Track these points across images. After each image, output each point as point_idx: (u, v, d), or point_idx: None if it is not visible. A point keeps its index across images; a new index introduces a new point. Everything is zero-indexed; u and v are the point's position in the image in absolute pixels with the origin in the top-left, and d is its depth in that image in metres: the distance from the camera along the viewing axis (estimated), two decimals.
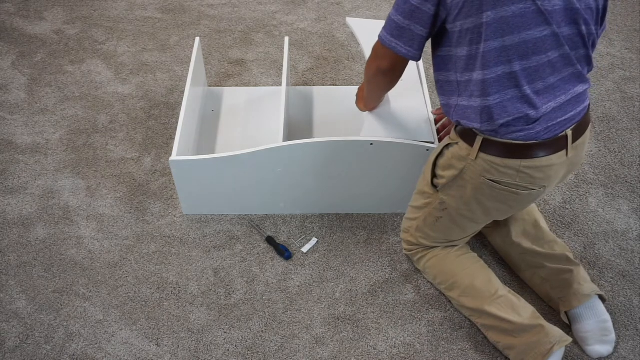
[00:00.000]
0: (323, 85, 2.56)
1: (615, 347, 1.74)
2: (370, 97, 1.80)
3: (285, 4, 3.00)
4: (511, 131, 1.44)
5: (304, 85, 2.56)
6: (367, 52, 2.00)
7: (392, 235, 2.02)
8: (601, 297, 1.75)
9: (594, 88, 2.55)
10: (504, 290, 1.71)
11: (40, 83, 2.58)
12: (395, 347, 1.76)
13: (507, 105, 1.41)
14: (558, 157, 1.47)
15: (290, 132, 2.25)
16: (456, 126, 1.58)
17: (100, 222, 2.07)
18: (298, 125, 2.30)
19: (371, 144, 1.84)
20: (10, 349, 1.75)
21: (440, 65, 1.53)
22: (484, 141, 1.48)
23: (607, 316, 1.72)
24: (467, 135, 1.52)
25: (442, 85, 1.55)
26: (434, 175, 1.68)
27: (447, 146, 1.61)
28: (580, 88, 1.46)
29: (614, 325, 1.78)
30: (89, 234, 2.03)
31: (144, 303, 1.86)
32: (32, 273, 1.93)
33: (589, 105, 1.53)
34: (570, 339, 1.61)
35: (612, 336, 1.71)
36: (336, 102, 2.40)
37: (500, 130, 1.45)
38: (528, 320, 1.63)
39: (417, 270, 1.91)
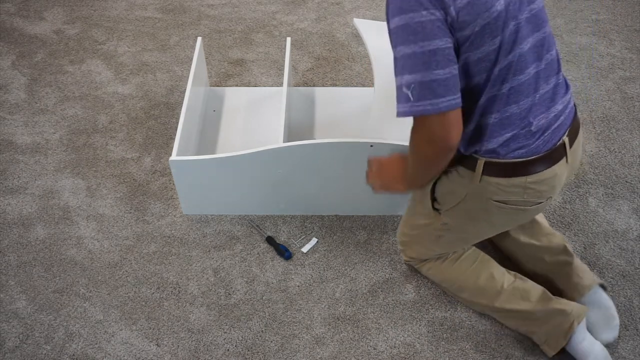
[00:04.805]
0: (323, 85, 2.56)
1: (615, 347, 1.74)
2: (429, 175, 1.52)
3: (285, 4, 3.00)
4: (512, 149, 1.41)
5: (304, 86, 2.56)
6: (373, 54, 1.98)
7: (392, 236, 2.02)
8: (602, 285, 1.76)
9: (594, 88, 2.55)
10: (509, 280, 1.71)
11: (40, 83, 2.58)
12: (395, 347, 1.76)
13: (505, 122, 1.38)
14: (560, 166, 1.46)
15: (291, 133, 2.25)
16: None
17: (100, 222, 2.07)
18: (299, 126, 2.30)
19: (371, 146, 1.84)
20: (10, 349, 1.75)
21: None
22: (486, 164, 1.43)
23: (610, 302, 1.73)
24: (466, 160, 1.47)
25: None
26: (433, 200, 1.62)
27: (444, 172, 1.54)
28: (561, 91, 1.45)
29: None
30: (89, 234, 2.03)
31: (144, 303, 1.86)
32: (32, 273, 1.93)
33: (575, 106, 1.53)
34: (587, 308, 1.65)
35: (617, 321, 1.72)
36: (337, 103, 2.40)
37: (500, 151, 1.41)
38: (541, 304, 1.65)
39: (417, 269, 1.91)
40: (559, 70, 1.43)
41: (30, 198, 2.14)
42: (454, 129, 1.29)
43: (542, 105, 1.40)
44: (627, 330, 1.78)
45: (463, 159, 1.47)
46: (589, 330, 1.71)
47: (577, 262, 1.78)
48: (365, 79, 2.59)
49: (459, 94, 1.28)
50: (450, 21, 1.24)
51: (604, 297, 1.73)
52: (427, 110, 1.25)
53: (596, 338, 1.69)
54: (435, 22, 1.22)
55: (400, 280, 1.90)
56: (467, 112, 1.39)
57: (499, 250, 1.93)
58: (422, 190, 1.63)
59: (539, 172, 1.43)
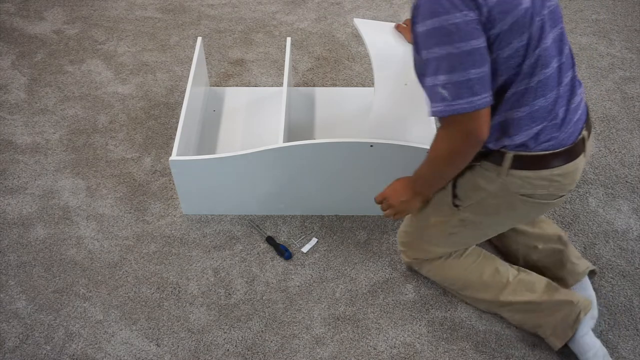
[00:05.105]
0: (323, 85, 2.56)
1: (616, 347, 1.74)
2: (443, 179, 1.55)
3: (285, 4, 3.00)
4: (540, 142, 1.42)
5: (304, 86, 2.56)
6: (373, 54, 1.98)
7: (392, 235, 2.02)
8: (592, 272, 1.81)
9: (594, 88, 2.55)
10: (513, 274, 1.72)
11: (40, 83, 2.58)
12: (395, 347, 1.76)
13: (535, 115, 1.39)
14: (580, 159, 1.48)
15: (291, 133, 2.25)
16: None
17: (100, 222, 2.07)
18: (299, 126, 2.30)
19: (371, 146, 1.84)
20: (10, 349, 1.75)
21: None
22: (514, 157, 1.43)
23: (593, 292, 1.77)
24: (492, 155, 1.46)
25: None
26: (454, 196, 1.59)
27: (467, 167, 1.50)
28: (577, 84, 1.47)
29: (614, 324, 1.78)
30: (89, 234, 2.03)
31: (144, 303, 1.86)
32: (32, 273, 1.93)
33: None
34: (592, 301, 1.68)
35: (596, 312, 1.73)
36: (337, 103, 2.40)
37: (530, 144, 1.41)
38: (547, 295, 1.66)
39: (418, 271, 1.91)
40: (573, 64, 1.46)
41: (30, 198, 2.14)
42: (486, 125, 1.33)
43: (564, 98, 1.42)
44: (627, 330, 1.78)
45: (488, 154, 1.47)
46: None
47: (571, 248, 1.80)
48: (365, 79, 2.59)
49: (491, 92, 1.31)
50: (483, 21, 1.26)
51: (589, 286, 1.78)
52: (464, 108, 1.28)
53: None
54: (470, 23, 1.25)
55: (400, 280, 1.90)
56: (494, 107, 1.39)
57: (491, 243, 1.94)
58: (438, 194, 1.63)
59: (565, 164, 1.45)
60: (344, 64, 2.67)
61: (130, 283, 1.90)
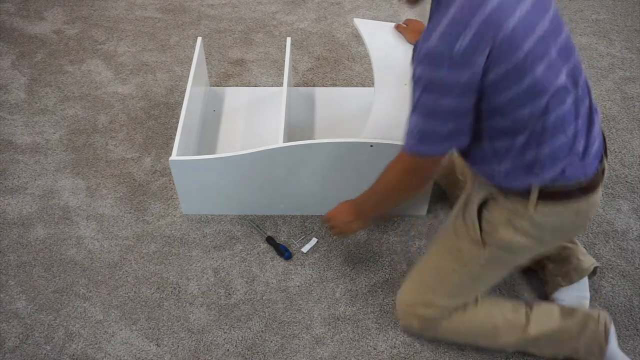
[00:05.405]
0: (323, 85, 2.56)
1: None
2: (386, 207, 1.65)
3: (285, 4, 3.00)
4: (567, 176, 1.39)
5: (304, 86, 2.56)
6: (373, 54, 1.97)
7: (392, 236, 2.02)
8: (593, 271, 1.81)
9: (594, 88, 2.55)
10: (526, 307, 1.66)
11: (40, 83, 2.58)
12: (395, 347, 1.76)
13: (557, 152, 1.37)
14: (600, 189, 1.46)
15: (291, 133, 2.25)
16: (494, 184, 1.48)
17: (100, 222, 2.07)
18: (299, 126, 2.30)
19: (371, 146, 1.84)
20: (10, 349, 1.75)
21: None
22: (542, 191, 1.40)
23: (588, 294, 1.78)
24: (518, 190, 1.43)
25: (473, 154, 1.46)
26: (481, 230, 1.52)
27: (493, 202, 1.48)
28: (594, 113, 1.44)
29: (613, 324, 1.78)
30: (89, 234, 2.03)
31: (144, 303, 1.86)
32: (32, 273, 1.93)
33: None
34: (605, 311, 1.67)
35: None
36: (337, 103, 2.40)
37: (557, 178, 1.39)
38: (568, 317, 1.63)
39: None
40: (589, 93, 1.43)
41: (30, 198, 2.14)
42: (439, 167, 1.43)
43: (583, 130, 1.39)
44: (627, 330, 1.78)
45: (512, 190, 1.44)
46: (558, 301, 1.76)
47: (579, 246, 1.81)
48: (365, 79, 2.59)
49: (458, 141, 1.36)
50: (474, 79, 1.26)
51: (586, 286, 1.78)
52: (427, 152, 1.38)
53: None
54: (457, 83, 1.25)
55: (400, 281, 1.90)
56: (511, 148, 1.37)
57: None
58: (458, 232, 1.57)
59: (591, 195, 1.43)
60: (344, 64, 2.67)
61: (130, 283, 1.90)
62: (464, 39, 1.22)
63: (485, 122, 1.36)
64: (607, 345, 1.61)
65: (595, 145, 1.43)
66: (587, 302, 1.76)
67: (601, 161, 1.45)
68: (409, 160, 1.43)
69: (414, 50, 1.31)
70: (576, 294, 1.77)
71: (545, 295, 1.83)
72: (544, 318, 1.64)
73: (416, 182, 1.49)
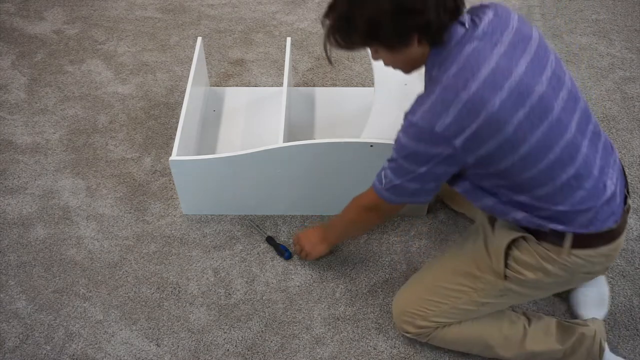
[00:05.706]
0: (323, 85, 2.56)
1: (615, 347, 1.74)
2: (350, 235, 1.89)
3: (285, 4, 3.00)
4: (597, 223, 1.37)
5: (304, 86, 2.56)
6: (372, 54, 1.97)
7: (392, 236, 2.02)
8: None
9: (594, 88, 2.55)
10: (524, 320, 1.65)
11: (40, 83, 2.58)
12: (395, 347, 1.76)
13: (582, 204, 1.35)
14: (626, 229, 1.45)
15: (291, 133, 2.25)
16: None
17: (100, 222, 2.07)
18: (299, 126, 2.30)
19: (371, 146, 1.84)
20: (10, 349, 1.75)
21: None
22: (575, 237, 1.38)
23: (607, 287, 1.78)
24: (550, 235, 1.40)
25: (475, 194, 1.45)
26: (505, 266, 1.49)
27: (524, 241, 1.45)
28: (609, 152, 1.43)
29: (614, 324, 1.78)
30: (89, 234, 2.03)
31: (144, 303, 1.86)
32: (32, 273, 1.93)
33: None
34: (602, 322, 1.67)
35: (607, 305, 1.76)
36: (337, 103, 2.40)
37: (589, 225, 1.37)
38: (565, 335, 1.62)
39: (417, 269, 1.88)
40: (601, 133, 1.42)
41: (30, 198, 2.14)
42: (399, 210, 1.53)
43: (603, 175, 1.38)
44: (627, 330, 1.78)
45: (547, 233, 1.41)
46: (581, 305, 1.76)
47: None
48: (365, 79, 2.59)
49: (423, 198, 1.43)
50: (455, 153, 1.29)
51: (603, 280, 1.79)
52: (390, 200, 1.47)
53: (586, 314, 1.74)
54: (436, 157, 1.31)
55: (400, 281, 1.90)
56: (527, 202, 1.37)
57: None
58: (476, 258, 1.55)
59: (621, 237, 1.42)
60: (344, 64, 2.67)
61: (130, 283, 1.91)
62: (445, 119, 1.25)
63: (493, 181, 1.37)
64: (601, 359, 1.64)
65: (618, 186, 1.41)
66: (607, 295, 1.76)
67: (625, 199, 1.43)
68: (374, 198, 1.51)
69: (405, 117, 1.36)
70: (596, 289, 1.76)
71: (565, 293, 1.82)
72: (541, 336, 1.63)
73: (375, 219, 1.62)
